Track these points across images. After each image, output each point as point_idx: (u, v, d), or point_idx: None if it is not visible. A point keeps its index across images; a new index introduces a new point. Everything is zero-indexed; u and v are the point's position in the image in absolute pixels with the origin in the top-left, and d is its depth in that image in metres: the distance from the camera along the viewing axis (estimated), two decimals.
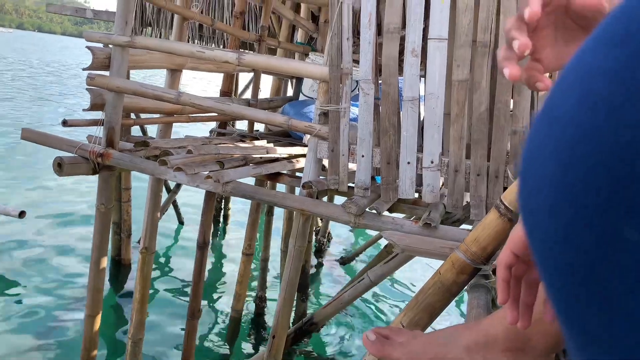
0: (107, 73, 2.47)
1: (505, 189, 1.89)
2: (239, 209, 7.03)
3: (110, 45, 2.51)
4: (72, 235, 5.53)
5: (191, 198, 6.97)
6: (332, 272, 5.53)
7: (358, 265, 5.72)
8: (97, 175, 2.58)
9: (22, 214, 4.77)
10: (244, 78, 7.13)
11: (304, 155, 2.94)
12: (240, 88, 6.83)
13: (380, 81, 2.15)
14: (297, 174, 2.95)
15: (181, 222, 6.23)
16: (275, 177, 2.63)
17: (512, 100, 2.00)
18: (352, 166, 2.17)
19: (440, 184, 2.16)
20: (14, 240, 5.13)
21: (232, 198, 6.80)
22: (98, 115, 2.53)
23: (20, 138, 2.58)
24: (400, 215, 2.53)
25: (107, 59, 2.48)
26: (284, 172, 2.59)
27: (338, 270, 5.60)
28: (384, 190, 2.11)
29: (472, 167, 2.00)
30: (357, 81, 2.21)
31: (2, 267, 4.56)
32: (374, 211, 2.04)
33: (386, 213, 2.11)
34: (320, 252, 5.78)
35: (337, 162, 2.11)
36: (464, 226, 2.25)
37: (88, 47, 2.46)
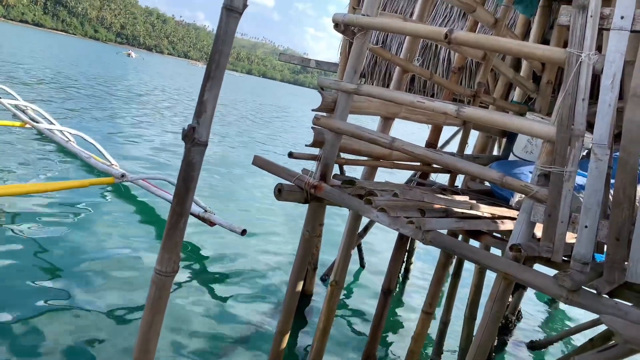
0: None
1: None
2: (419, 264, 6.98)
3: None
4: (276, 254, 6.25)
5: (374, 244, 7.20)
6: (517, 353, 5.03)
7: (550, 354, 5.10)
8: (308, 204, 2.90)
9: (243, 232, 5.61)
10: (446, 132, 7.21)
11: (509, 218, 2.83)
12: (440, 142, 6.92)
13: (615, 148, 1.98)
14: (496, 234, 2.84)
15: (362, 266, 6.45)
16: (476, 234, 2.58)
17: None
18: (570, 236, 2.01)
19: None
20: (233, 252, 6.00)
21: (417, 251, 6.79)
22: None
23: (252, 164, 3.07)
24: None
25: (333, 102, 2.81)
26: (487, 230, 2.52)
27: (523, 353, 5.07)
28: (608, 269, 1.89)
29: None
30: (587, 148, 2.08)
31: (219, 272, 5.36)
32: (592, 290, 1.84)
33: (606, 296, 1.89)
34: (506, 329, 5.32)
35: (553, 228, 1.98)
36: None
37: (319, 92, 2.83)
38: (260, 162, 2.99)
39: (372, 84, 6.07)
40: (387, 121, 3.36)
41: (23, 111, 9.44)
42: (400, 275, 6.59)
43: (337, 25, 2.76)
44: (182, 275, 5.07)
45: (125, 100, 19.49)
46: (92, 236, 5.46)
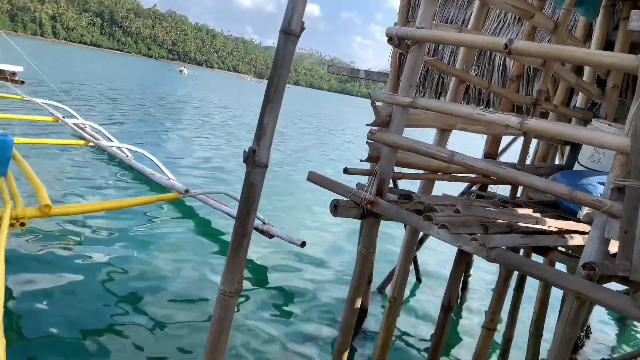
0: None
1: None
2: (479, 275, 6.80)
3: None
4: (333, 267, 6.28)
5: (430, 255, 7.08)
6: None
7: None
8: (364, 220, 2.90)
9: (303, 244, 5.69)
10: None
11: (578, 232, 2.71)
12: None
13: None
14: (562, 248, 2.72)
15: (418, 280, 6.35)
16: (543, 251, 2.49)
17: None
18: None
19: None
20: (292, 265, 6.08)
21: (474, 264, 6.62)
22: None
23: (307, 179, 3.11)
24: None
25: (388, 117, 2.81)
26: (555, 247, 2.43)
27: None
28: None
29: None
30: None
31: (277, 285, 5.44)
32: None
33: None
34: (575, 347, 5.08)
35: (630, 246, 1.88)
36: None
37: (373, 106, 2.84)
38: (314, 178, 3.02)
39: (425, 94, 6.00)
40: (444, 133, 3.31)
41: (84, 130, 10.00)
42: (459, 289, 6.45)
43: (390, 39, 2.76)
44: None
45: (179, 116, 20.25)
46: (156, 251, 5.69)
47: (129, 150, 8.99)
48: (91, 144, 9.02)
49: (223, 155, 12.93)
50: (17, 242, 5.09)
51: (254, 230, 6.12)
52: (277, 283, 5.55)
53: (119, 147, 9.07)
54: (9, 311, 3.89)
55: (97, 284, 4.69)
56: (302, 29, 1.80)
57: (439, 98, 5.76)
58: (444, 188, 4.06)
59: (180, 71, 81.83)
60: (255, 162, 1.79)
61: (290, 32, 1.78)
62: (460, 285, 6.44)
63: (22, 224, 4.43)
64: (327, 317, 4.95)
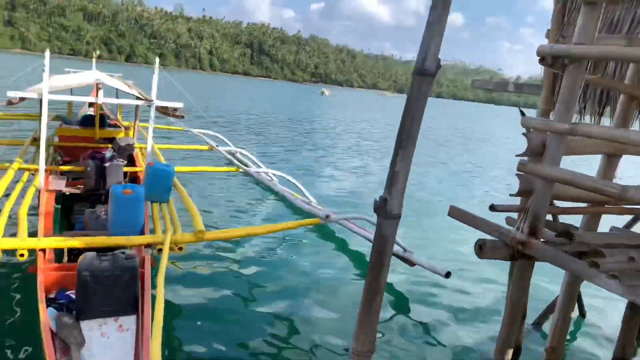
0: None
1: None
2: None
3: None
4: (480, 301, 5.89)
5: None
6: None
7: None
8: (514, 261, 2.64)
9: (448, 275, 5.45)
10: None
11: None
12: None
13: None
14: None
15: (582, 314, 5.62)
16: None
17: None
18: None
19: None
20: (435, 296, 5.87)
21: None
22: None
23: (447, 215, 2.93)
24: None
25: (542, 145, 2.53)
26: None
27: None
28: None
29: None
30: None
31: (419, 318, 5.27)
32: None
33: None
34: None
35: None
36: None
37: (524, 134, 2.57)
38: (457, 214, 2.84)
39: (585, 108, 5.36)
40: (611, 159, 2.89)
41: (235, 156, 10.90)
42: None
43: (542, 59, 2.50)
44: (382, 315, 5.11)
45: (319, 138, 21.11)
46: (301, 276, 5.92)
47: (275, 175, 9.57)
48: (241, 170, 9.79)
49: (363, 176, 13.09)
50: (176, 264, 5.68)
51: (394, 257, 6.05)
52: (419, 314, 5.34)
53: (266, 173, 9.70)
54: (171, 326, 4.32)
55: (245, 303, 5.03)
56: (439, 67, 1.69)
57: (602, 113, 5.08)
58: (612, 219, 3.53)
59: (322, 93, 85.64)
60: (387, 213, 1.71)
61: (425, 72, 1.69)
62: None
63: (180, 248, 4.90)
64: (473, 355, 4.61)
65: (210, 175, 10.25)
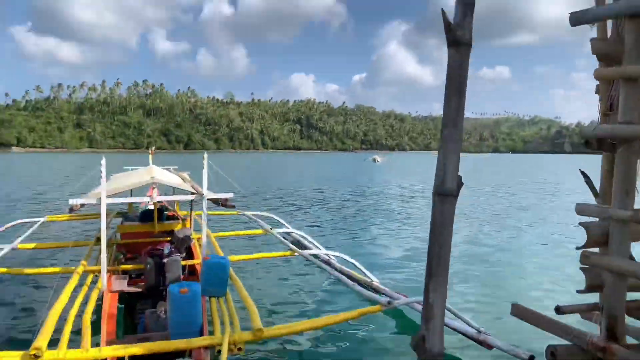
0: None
1: None
2: None
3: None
4: None
5: None
6: None
7: None
8: None
9: (531, 358, 5.05)
10: None
11: None
12: None
13: None
14: None
15: None
16: None
17: None
18: None
19: None
20: None
21: None
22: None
23: (510, 314, 2.73)
24: None
25: (604, 235, 2.36)
26: None
27: None
28: None
29: None
30: None
31: None
32: None
33: None
34: None
35: None
36: None
37: (581, 224, 2.41)
38: (521, 313, 2.64)
39: None
40: None
41: (289, 239, 10.88)
42: None
43: (587, 143, 2.38)
44: None
45: (375, 209, 20.95)
46: None
47: (332, 256, 9.41)
48: (296, 254, 9.58)
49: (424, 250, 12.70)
50: None
51: (468, 339, 5.68)
52: None
53: (323, 254, 9.54)
54: None
55: None
56: (460, 185, 1.62)
57: None
58: None
59: (374, 160, 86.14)
60: (426, 352, 1.57)
61: (445, 193, 1.62)
62: None
63: (240, 349, 4.80)
64: None
65: (266, 261, 10.27)
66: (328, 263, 9.73)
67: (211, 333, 4.95)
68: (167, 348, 4.52)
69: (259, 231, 11.13)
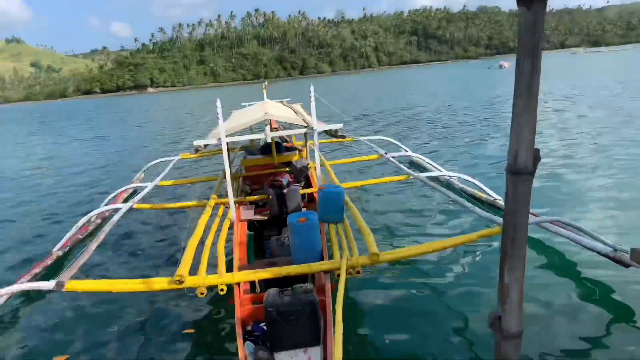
0: None
1: None
2: None
3: None
4: None
5: None
6: None
7: None
8: None
9: None
10: None
11: None
12: None
13: None
14: None
15: None
16: None
17: None
18: None
19: None
20: None
21: None
22: None
23: (630, 258, 2.54)
24: None
25: None
26: None
27: None
28: None
29: None
30: None
31: None
32: None
33: None
34: None
35: None
36: None
37: None
38: None
39: None
40: None
41: (406, 160, 10.81)
42: None
43: None
44: (597, 329, 4.61)
45: (501, 124, 19.75)
46: (490, 288, 5.67)
47: (454, 177, 9.19)
48: (411, 177, 9.17)
49: (562, 168, 11.81)
50: (354, 288, 5.91)
51: (603, 257, 5.41)
52: None
53: (441, 177, 9.36)
54: (353, 352, 4.55)
55: (429, 321, 5.02)
56: (537, 160, 1.45)
57: None
58: None
59: (500, 66, 79.93)
60: (502, 332, 1.53)
61: (518, 171, 1.47)
62: None
63: (358, 272, 5.06)
64: None
65: (382, 186, 10.35)
66: (448, 185, 9.57)
67: (331, 258, 5.21)
68: (291, 272, 4.86)
69: (374, 156, 11.06)
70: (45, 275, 7.05)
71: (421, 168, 11.54)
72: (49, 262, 7.43)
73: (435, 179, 9.51)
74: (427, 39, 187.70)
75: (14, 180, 16.68)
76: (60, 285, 4.76)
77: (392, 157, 10.64)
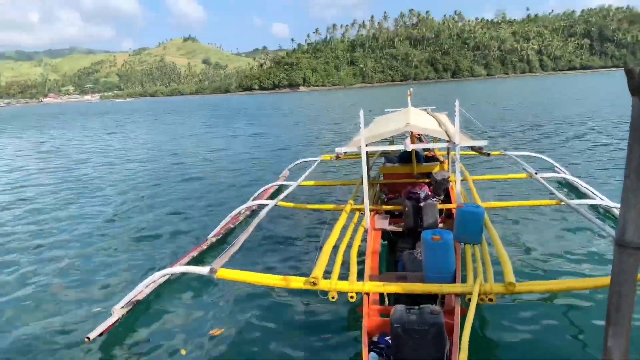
0: None
1: None
2: None
3: None
4: None
5: None
6: None
7: None
8: None
9: None
10: None
11: None
12: None
13: None
14: None
15: None
16: None
17: None
18: None
19: None
20: None
21: None
22: None
23: None
24: None
25: None
26: None
27: None
28: None
29: None
30: None
31: None
32: None
33: None
34: None
35: None
36: None
37: None
38: None
39: None
40: None
41: (558, 183, 9.92)
42: None
43: None
44: None
45: None
46: None
47: (610, 208, 8.28)
48: (562, 203, 8.28)
49: None
50: (484, 315, 5.68)
51: None
52: None
53: (603, 205, 8.49)
54: None
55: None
56: None
57: None
58: None
59: None
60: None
61: (625, 245, 1.49)
62: None
63: (491, 300, 4.83)
64: None
65: (528, 209, 9.62)
66: (606, 215, 8.74)
67: (463, 280, 5.16)
68: (421, 290, 4.92)
69: (523, 175, 10.35)
70: (198, 259, 8.02)
71: (577, 192, 10.68)
72: (204, 247, 8.46)
73: (592, 207, 8.71)
74: (602, 42, 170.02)
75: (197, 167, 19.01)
76: (213, 271, 5.51)
77: (544, 177, 9.98)
